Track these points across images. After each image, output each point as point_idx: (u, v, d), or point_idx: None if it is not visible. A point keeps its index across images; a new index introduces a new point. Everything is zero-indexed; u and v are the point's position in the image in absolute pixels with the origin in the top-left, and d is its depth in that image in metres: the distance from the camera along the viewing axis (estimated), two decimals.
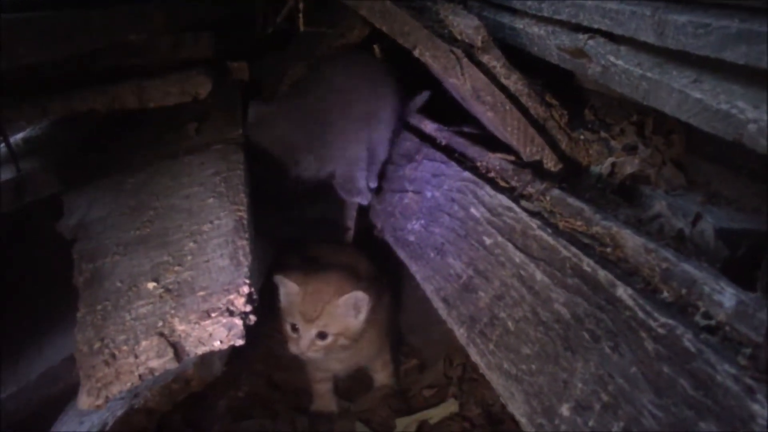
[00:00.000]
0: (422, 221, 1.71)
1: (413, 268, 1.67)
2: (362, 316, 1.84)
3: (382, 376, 2.10)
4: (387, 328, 2.04)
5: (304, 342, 1.79)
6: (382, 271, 2.04)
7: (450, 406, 1.87)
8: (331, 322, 1.80)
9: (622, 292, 1.21)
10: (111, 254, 1.39)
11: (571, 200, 1.49)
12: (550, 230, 1.42)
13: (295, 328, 1.82)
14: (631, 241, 1.33)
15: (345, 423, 1.92)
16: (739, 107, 1.23)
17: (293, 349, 1.82)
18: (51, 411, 1.63)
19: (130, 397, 1.47)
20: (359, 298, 1.81)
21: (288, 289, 1.83)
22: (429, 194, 1.74)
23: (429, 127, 1.93)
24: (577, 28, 1.61)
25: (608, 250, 1.35)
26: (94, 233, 1.45)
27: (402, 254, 1.73)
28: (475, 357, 1.40)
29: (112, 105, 1.65)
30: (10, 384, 1.61)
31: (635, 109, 1.74)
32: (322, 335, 1.80)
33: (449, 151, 1.82)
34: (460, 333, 1.45)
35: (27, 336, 1.69)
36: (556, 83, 1.82)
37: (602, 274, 1.26)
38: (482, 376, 1.45)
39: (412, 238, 1.72)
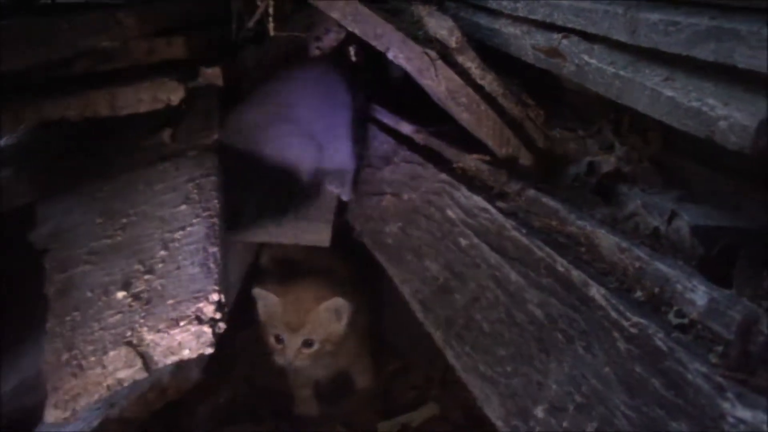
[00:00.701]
0: (400, 224, 1.71)
1: (391, 270, 1.67)
2: (344, 321, 1.83)
3: (363, 378, 2.10)
4: (367, 331, 2.04)
5: (291, 351, 1.78)
6: (362, 273, 2.03)
7: (431, 409, 1.86)
8: (315, 329, 1.79)
9: (595, 291, 1.21)
10: (82, 263, 1.38)
11: (546, 200, 1.49)
12: (524, 230, 1.41)
13: (279, 339, 1.81)
14: (606, 240, 1.33)
15: (327, 427, 1.91)
16: (709, 104, 1.23)
17: (280, 360, 1.81)
18: (28, 423, 1.61)
19: (106, 407, 1.46)
20: (340, 303, 1.80)
21: (268, 300, 1.81)
22: (406, 196, 1.74)
23: (406, 128, 1.92)
24: (552, 27, 1.60)
25: (583, 249, 1.35)
26: (67, 242, 1.43)
27: (380, 257, 1.72)
28: (451, 359, 1.39)
29: (84, 112, 1.63)
30: None
31: (613, 108, 1.73)
32: (307, 343, 1.79)
33: (426, 153, 1.81)
34: (437, 336, 1.45)
35: (2, 347, 1.68)
36: (535, 83, 1.82)
37: (576, 274, 1.26)
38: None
39: (389, 240, 1.71)
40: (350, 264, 2.05)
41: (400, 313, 2.04)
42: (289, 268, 1.95)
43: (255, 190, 1.76)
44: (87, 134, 1.75)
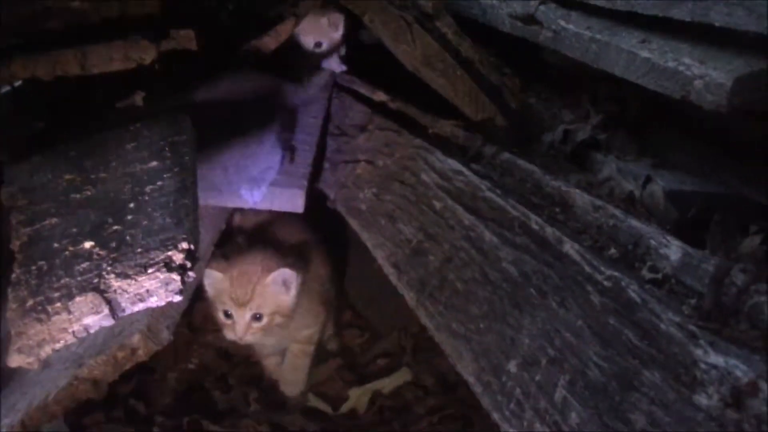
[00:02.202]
0: (374, 190, 1.69)
1: (365, 236, 1.65)
2: (293, 292, 1.80)
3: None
4: (326, 299, 2.01)
5: (240, 327, 1.76)
6: (327, 243, 2.01)
7: (403, 375, 1.85)
8: (263, 303, 1.76)
9: (569, 247, 1.21)
10: (50, 216, 1.35)
11: (521, 162, 1.49)
12: (499, 191, 1.41)
13: (228, 315, 1.78)
14: (580, 199, 1.33)
15: (298, 395, 1.90)
16: (685, 64, 1.23)
17: (230, 335, 1.78)
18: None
19: (74, 367, 1.43)
20: (287, 274, 1.78)
21: (212, 277, 1.79)
22: (381, 163, 1.73)
23: (380, 96, 1.91)
24: None
25: (557, 209, 1.35)
26: (35, 199, 1.40)
27: (354, 223, 1.71)
28: (424, 320, 1.38)
29: (54, 71, 1.60)
30: None
31: (589, 76, 1.73)
32: (256, 317, 1.77)
33: (401, 120, 1.80)
34: (410, 297, 1.44)
35: None
36: (512, 54, 1.81)
37: (550, 231, 1.26)
38: (437, 344, 1.45)
39: (363, 206, 1.70)
40: (308, 232, 2.02)
41: (371, 285, 2.04)
42: (238, 242, 1.92)
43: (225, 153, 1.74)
44: (59, 96, 1.72)
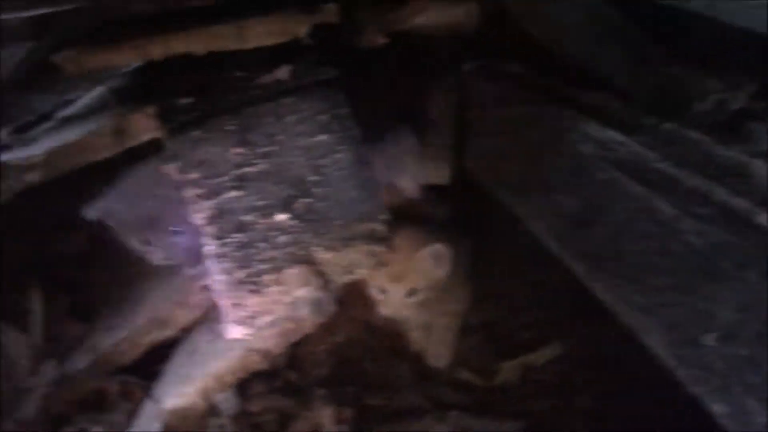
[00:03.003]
0: (523, 161, 1.68)
1: (517, 207, 1.63)
2: (446, 267, 1.79)
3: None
4: (471, 272, 1.99)
5: (395, 302, 1.75)
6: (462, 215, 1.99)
7: (554, 349, 1.83)
8: (417, 278, 1.75)
9: (764, 218, 1.18)
10: (230, 189, 1.37)
11: (687, 132, 1.46)
12: (670, 161, 1.39)
13: (382, 290, 1.77)
14: (761, 170, 1.30)
15: (445, 368, 1.89)
16: None
17: (384, 311, 1.78)
18: (159, 355, 1.63)
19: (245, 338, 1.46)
20: (440, 249, 1.76)
21: None
22: (528, 134, 1.71)
23: (518, 69, 1.88)
24: None
25: (736, 180, 1.32)
26: (208, 173, 1.42)
27: (503, 194, 1.69)
28: (599, 292, 1.36)
29: (211, 45, 1.61)
30: (119, 329, 1.61)
31: (737, 44, 1.69)
32: (411, 292, 1.76)
33: (544, 93, 1.77)
34: (580, 269, 1.42)
35: (134, 282, 1.69)
36: (656, 24, 1.78)
37: (737, 202, 1.24)
38: (590, 318, 1.43)
39: (513, 179, 1.68)
40: (450, 206, 2.00)
41: (509, 257, 2.02)
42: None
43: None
44: (203, 71, 1.73)
